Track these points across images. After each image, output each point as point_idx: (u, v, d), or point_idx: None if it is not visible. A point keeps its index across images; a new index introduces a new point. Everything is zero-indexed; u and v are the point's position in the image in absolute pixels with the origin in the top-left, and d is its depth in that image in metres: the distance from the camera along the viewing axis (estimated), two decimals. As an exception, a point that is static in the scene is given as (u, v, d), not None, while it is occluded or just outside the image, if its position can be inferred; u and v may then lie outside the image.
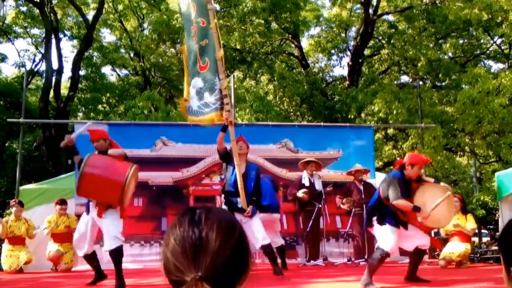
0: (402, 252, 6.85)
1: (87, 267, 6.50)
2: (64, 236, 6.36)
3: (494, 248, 9.87)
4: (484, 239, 14.18)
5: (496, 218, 14.68)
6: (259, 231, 4.68)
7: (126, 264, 5.94)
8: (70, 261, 6.39)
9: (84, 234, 4.40)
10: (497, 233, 14.15)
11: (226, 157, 4.66)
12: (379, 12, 14.26)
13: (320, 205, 6.35)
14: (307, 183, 6.42)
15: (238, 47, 14.15)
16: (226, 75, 4.26)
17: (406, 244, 4.46)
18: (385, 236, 4.20)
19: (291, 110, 14.98)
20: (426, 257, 7.08)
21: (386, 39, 15.04)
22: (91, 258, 4.59)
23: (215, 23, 3.92)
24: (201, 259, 0.83)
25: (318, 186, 6.48)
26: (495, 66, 16.44)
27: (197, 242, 0.84)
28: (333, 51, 15.52)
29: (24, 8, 15.25)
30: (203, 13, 4.23)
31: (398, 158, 12.76)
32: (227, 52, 14.73)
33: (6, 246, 6.39)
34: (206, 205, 0.97)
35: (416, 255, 4.45)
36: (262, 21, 12.96)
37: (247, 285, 0.90)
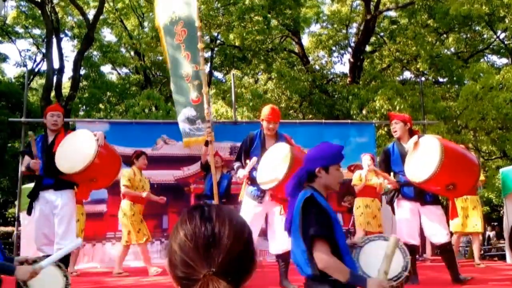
0: None
1: (88, 265, 6.44)
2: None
3: (500, 244, 9.79)
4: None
5: (500, 215, 14.59)
6: None
7: (128, 262, 5.93)
8: (80, 231, 5.45)
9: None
10: (492, 229, 14.06)
11: (206, 167, 5.70)
12: (380, 8, 14.15)
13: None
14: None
15: (237, 44, 14.07)
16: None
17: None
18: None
19: (291, 105, 14.90)
20: (429, 254, 7.03)
21: (388, 35, 14.94)
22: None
23: (204, 66, 5.34)
24: (214, 255, 0.83)
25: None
26: (499, 61, 16.32)
27: (210, 239, 0.84)
28: (334, 48, 15.43)
29: (25, 8, 15.26)
30: (195, 60, 5.48)
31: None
32: (227, 50, 14.68)
33: (126, 203, 5.32)
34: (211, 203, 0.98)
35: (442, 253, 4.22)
36: (261, 19, 12.89)
37: (252, 283, 0.89)
